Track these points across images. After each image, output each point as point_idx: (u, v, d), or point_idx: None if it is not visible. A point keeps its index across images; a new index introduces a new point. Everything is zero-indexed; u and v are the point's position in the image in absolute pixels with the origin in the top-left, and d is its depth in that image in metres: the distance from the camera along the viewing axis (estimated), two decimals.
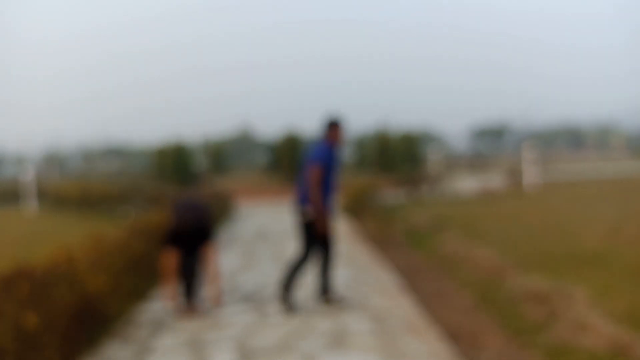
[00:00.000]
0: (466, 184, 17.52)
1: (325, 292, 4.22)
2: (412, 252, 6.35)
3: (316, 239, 4.08)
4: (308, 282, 4.71)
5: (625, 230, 6.87)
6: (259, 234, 8.79)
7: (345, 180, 16.46)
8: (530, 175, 15.32)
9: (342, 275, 5.44)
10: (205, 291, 4.31)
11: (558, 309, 3.51)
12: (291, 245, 7.44)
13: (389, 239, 7.27)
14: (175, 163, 18.32)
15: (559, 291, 3.89)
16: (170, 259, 4.00)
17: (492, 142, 69.67)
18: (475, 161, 33.08)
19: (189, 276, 4.14)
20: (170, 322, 4.00)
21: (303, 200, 4.10)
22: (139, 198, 12.64)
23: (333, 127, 4.17)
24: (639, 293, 3.98)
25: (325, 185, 4.02)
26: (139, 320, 4.10)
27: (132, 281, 4.52)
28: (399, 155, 19.97)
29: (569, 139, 63.51)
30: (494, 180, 18.17)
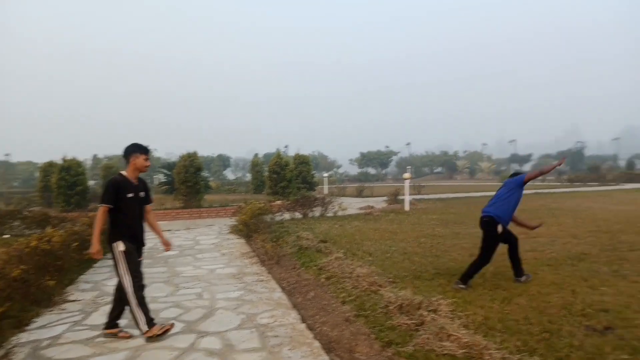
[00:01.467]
0: (355, 204, 18.48)
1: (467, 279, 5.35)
2: (301, 270, 6.59)
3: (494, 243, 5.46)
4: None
5: None
6: (152, 256, 8.43)
7: (240, 202, 16.47)
8: (410, 197, 16.62)
9: (232, 294, 5.51)
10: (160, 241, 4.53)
11: (425, 320, 3.95)
12: (185, 268, 7.30)
13: (281, 258, 7.46)
14: (61, 181, 16.51)
15: (427, 303, 4.36)
16: (102, 215, 4.00)
17: (379, 167, 73.93)
18: (364, 184, 34.79)
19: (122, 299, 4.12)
20: (48, 353, 3.77)
21: (493, 212, 5.50)
22: (19, 219, 11.29)
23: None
24: (493, 305, 4.62)
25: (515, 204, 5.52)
26: (14, 350, 3.79)
27: (7, 308, 4.16)
28: (293, 178, 20.35)
29: (445, 165, 69.51)
30: (379, 201, 19.42)
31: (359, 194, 26.11)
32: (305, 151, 26.72)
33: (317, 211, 14.43)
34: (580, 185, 33.26)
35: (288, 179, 19.69)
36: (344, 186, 34.16)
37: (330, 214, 14.42)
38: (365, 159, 74.70)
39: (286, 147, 68.20)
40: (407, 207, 15.66)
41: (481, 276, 5.74)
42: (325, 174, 33.56)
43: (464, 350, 3.40)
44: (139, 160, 4.14)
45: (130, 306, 3.98)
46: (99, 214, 3.98)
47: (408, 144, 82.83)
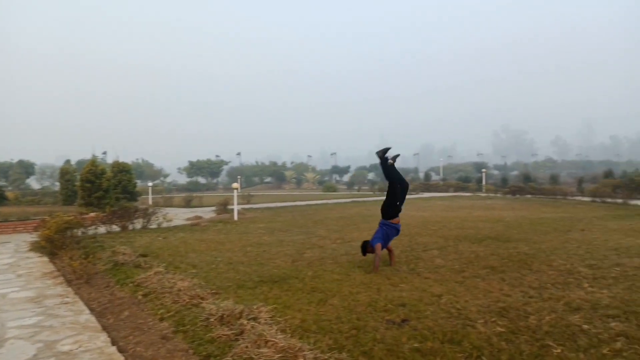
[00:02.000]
0: (182, 215, 17.78)
1: None
2: (115, 288, 6.06)
3: None
4: None
5: (307, 253, 8.30)
6: None
7: (45, 215, 14.42)
8: (239, 206, 16.69)
9: (28, 321, 4.76)
10: None
11: (245, 328, 3.98)
12: None
13: (92, 276, 6.75)
14: None
15: (247, 312, 4.40)
16: None
17: (210, 176, 72.64)
18: (193, 193, 33.76)
19: None
20: None
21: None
22: None
23: None
24: (310, 307, 4.88)
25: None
26: None
27: None
28: (111, 188, 18.63)
29: (274, 175, 71.65)
30: (208, 211, 19.05)
31: (187, 204, 25.21)
32: (128, 158, 24.76)
33: (138, 223, 13.46)
34: None
35: (105, 189, 17.95)
36: (171, 196, 32.61)
37: (153, 226, 13.59)
38: (195, 168, 72.56)
39: (104, 153, 62.24)
40: (236, 216, 15.66)
41: (300, 281, 6.03)
42: (150, 183, 31.62)
43: (280, 355, 3.51)
44: None
45: None
46: None
47: (238, 154, 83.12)
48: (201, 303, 4.97)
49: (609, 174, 32.45)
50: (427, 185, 44.35)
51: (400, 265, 7.12)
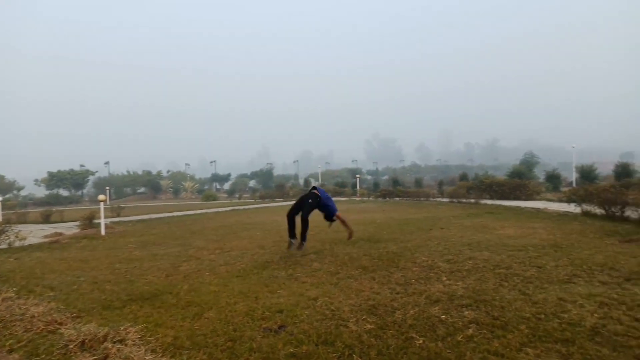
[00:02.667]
0: (39, 232, 15.93)
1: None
2: None
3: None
4: None
5: (183, 266, 7.97)
6: None
7: None
8: (107, 219, 15.44)
9: None
10: None
11: (110, 352, 3.68)
12: None
13: None
14: None
15: (113, 334, 4.08)
16: None
17: (73, 188, 66.19)
18: (53, 208, 30.45)
19: None
20: None
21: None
22: None
23: None
24: (184, 323, 4.68)
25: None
26: None
27: None
28: None
29: (149, 185, 67.80)
30: (71, 226, 17.31)
31: (46, 219, 22.65)
32: None
33: None
34: (270, 201, 37.72)
35: None
36: (26, 211, 29.02)
37: (3, 246, 11.98)
38: (55, 179, 65.45)
39: None
40: (103, 231, 14.45)
41: (175, 296, 5.78)
42: (0, 198, 27.85)
43: None
44: None
45: None
46: None
47: (107, 163, 76.87)
48: (59, 329, 4.49)
49: (463, 177, 36.38)
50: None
51: (279, 271, 7.18)
